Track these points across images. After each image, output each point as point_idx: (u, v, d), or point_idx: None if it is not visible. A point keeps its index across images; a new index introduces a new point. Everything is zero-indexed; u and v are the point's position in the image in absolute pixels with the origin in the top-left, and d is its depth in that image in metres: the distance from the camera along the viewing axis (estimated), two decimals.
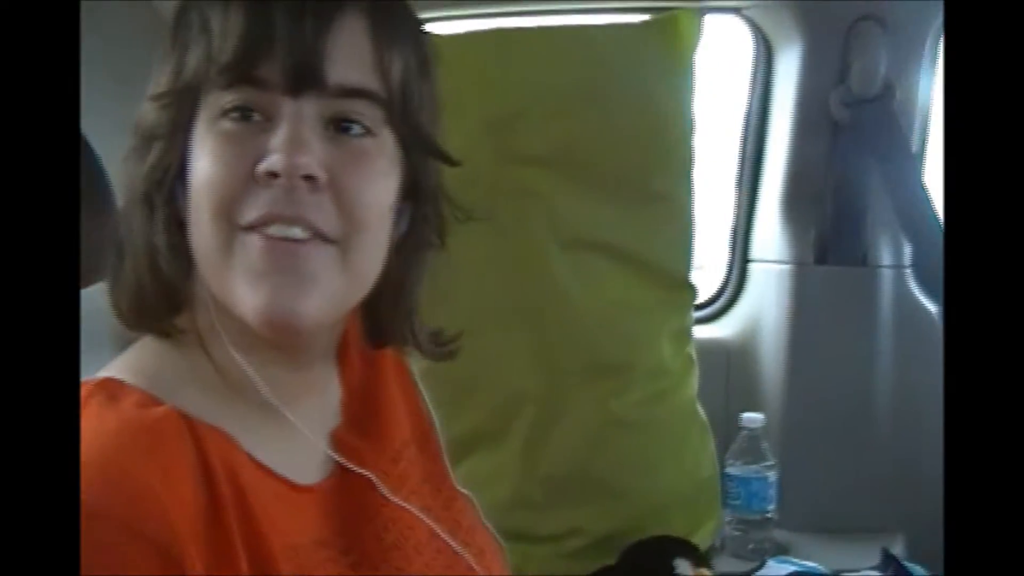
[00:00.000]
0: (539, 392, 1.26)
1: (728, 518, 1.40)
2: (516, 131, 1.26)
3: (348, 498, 0.69)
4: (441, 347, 0.76)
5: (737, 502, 1.39)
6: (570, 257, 1.28)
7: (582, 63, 1.29)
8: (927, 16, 1.43)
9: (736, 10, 1.52)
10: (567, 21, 1.39)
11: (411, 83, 0.65)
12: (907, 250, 1.51)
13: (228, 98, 0.60)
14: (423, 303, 0.74)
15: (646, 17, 1.38)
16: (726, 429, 1.44)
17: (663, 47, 1.32)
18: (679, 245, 1.36)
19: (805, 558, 1.31)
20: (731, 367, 1.60)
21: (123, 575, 0.53)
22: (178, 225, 0.63)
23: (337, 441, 0.71)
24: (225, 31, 0.60)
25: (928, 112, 1.50)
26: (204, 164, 0.61)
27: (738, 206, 1.65)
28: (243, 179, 0.60)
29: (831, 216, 1.53)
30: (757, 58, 1.58)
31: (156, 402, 0.60)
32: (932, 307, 1.47)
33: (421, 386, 0.82)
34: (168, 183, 0.63)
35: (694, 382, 1.39)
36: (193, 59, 0.62)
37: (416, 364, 0.85)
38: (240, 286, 0.60)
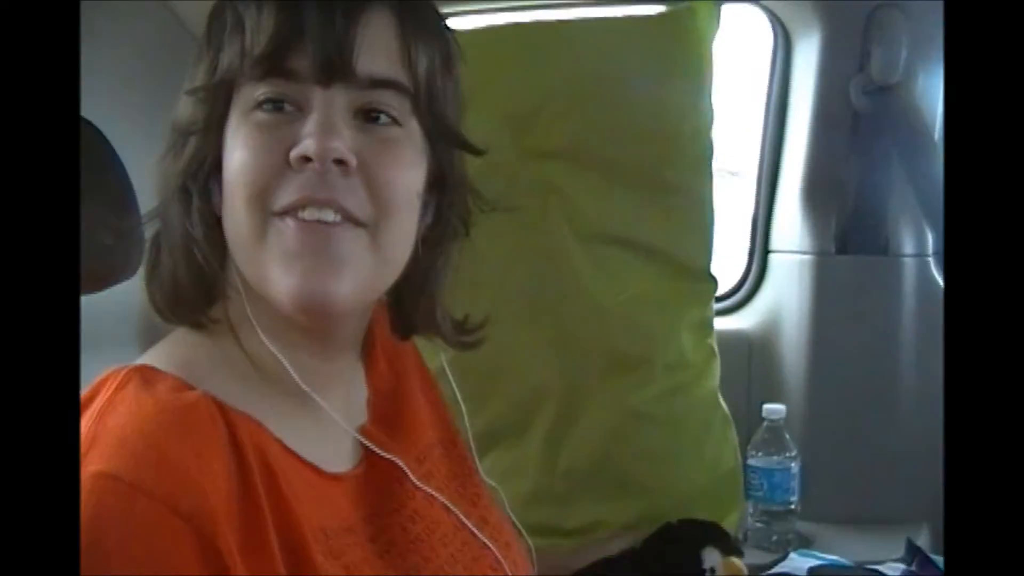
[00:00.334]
0: (560, 386, 1.27)
1: (751, 510, 1.40)
2: (534, 125, 1.26)
3: (375, 488, 0.70)
4: (467, 336, 0.77)
5: (760, 493, 1.39)
6: (589, 251, 1.28)
7: (599, 56, 1.29)
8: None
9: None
10: (584, 14, 1.38)
11: (436, 77, 0.67)
12: (929, 238, 1.50)
13: (261, 90, 0.63)
14: (447, 295, 0.75)
15: (663, 8, 1.37)
16: (748, 420, 1.44)
17: (681, 39, 1.31)
18: (699, 237, 1.36)
19: (828, 549, 1.31)
20: (753, 358, 1.60)
21: (158, 549, 0.54)
22: (213, 218, 0.66)
23: (365, 435, 0.72)
24: (258, 27, 0.63)
25: None
26: (238, 154, 0.63)
27: (758, 197, 1.65)
28: (276, 166, 0.62)
29: (852, 205, 1.52)
30: (776, 47, 1.57)
31: (189, 387, 0.62)
32: None
33: (452, 379, 0.83)
34: (203, 176, 0.66)
35: (716, 374, 1.39)
36: (228, 56, 0.64)
37: (436, 361, 0.86)
38: (274, 270, 0.62)
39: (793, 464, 1.39)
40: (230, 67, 0.64)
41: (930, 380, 1.47)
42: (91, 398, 0.61)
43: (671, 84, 1.31)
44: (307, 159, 0.61)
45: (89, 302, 0.85)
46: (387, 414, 0.76)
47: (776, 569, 1.23)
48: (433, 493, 0.73)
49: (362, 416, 0.74)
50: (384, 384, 0.78)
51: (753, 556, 1.36)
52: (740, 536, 1.40)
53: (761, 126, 1.61)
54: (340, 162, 0.62)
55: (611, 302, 1.29)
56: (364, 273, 0.64)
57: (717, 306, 1.47)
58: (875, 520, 1.43)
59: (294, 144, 0.62)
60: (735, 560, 1.06)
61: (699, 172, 1.34)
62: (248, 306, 0.66)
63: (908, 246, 1.51)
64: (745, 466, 1.40)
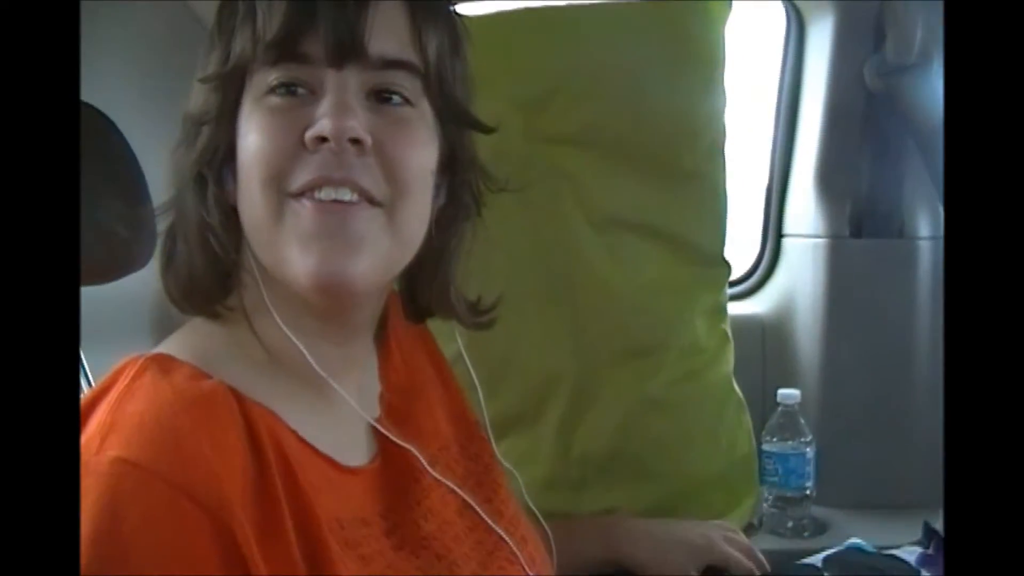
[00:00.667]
0: (573, 373, 1.26)
1: (766, 495, 1.40)
2: (546, 111, 1.25)
3: (390, 484, 0.70)
4: (481, 316, 0.77)
5: (775, 479, 1.38)
6: (602, 236, 1.27)
7: (612, 41, 1.28)
8: None
9: None
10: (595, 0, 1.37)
11: (445, 58, 0.68)
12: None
13: (274, 75, 0.64)
14: (461, 276, 0.76)
15: None
16: (763, 406, 1.44)
17: (693, 23, 1.30)
18: (712, 222, 1.35)
19: (845, 535, 1.30)
20: (767, 343, 1.59)
21: (174, 535, 0.55)
22: (228, 205, 0.66)
23: (380, 424, 0.72)
24: (270, 12, 0.63)
25: None
26: (253, 137, 0.64)
27: (771, 181, 1.64)
28: (292, 147, 0.63)
29: (866, 188, 1.51)
30: (789, 30, 1.56)
31: (206, 375, 0.62)
32: None
33: (470, 365, 0.83)
34: (218, 164, 0.66)
35: (730, 359, 1.38)
36: (240, 43, 0.65)
37: (451, 347, 0.85)
38: (291, 251, 0.63)
39: (808, 449, 1.38)
40: (242, 54, 0.64)
41: None
42: (109, 386, 0.62)
43: (683, 69, 1.29)
44: (323, 139, 0.62)
45: (102, 292, 0.86)
46: (400, 411, 0.76)
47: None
48: (448, 484, 0.72)
49: (374, 411, 0.74)
50: (398, 379, 0.78)
51: (769, 542, 1.36)
52: (755, 522, 1.40)
53: (774, 109, 1.59)
54: (356, 141, 0.62)
55: (624, 288, 1.28)
56: (381, 252, 0.65)
57: (731, 291, 1.46)
58: (891, 505, 1.42)
59: (308, 126, 0.62)
60: None
61: (712, 157, 1.33)
62: (264, 292, 0.66)
63: (923, 229, 1.50)
64: (760, 451, 1.39)
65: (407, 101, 0.66)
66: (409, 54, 0.66)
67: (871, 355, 1.49)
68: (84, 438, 0.58)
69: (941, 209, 1.47)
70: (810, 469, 1.38)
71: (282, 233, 0.63)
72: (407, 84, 0.66)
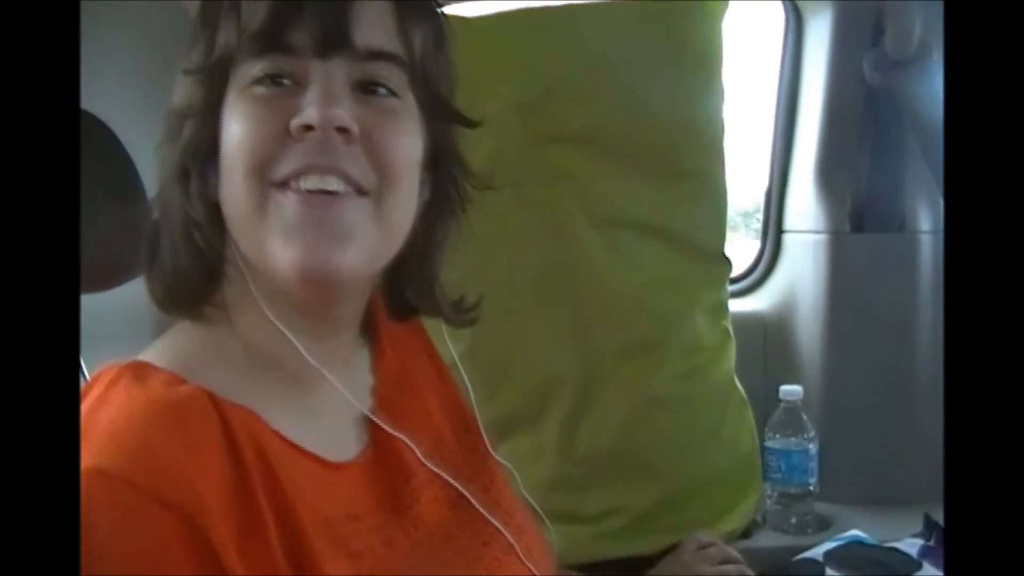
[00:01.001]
0: (575, 372, 1.26)
1: (769, 492, 1.40)
2: (545, 110, 1.25)
3: (379, 477, 0.70)
4: (463, 314, 0.77)
5: (778, 476, 1.38)
6: (602, 235, 1.27)
7: (610, 40, 1.27)
8: None
9: None
10: None
11: (430, 53, 0.68)
12: None
13: (259, 66, 0.63)
14: (456, 282, 0.75)
15: None
16: (765, 402, 1.43)
17: (691, 21, 1.30)
18: (712, 219, 1.35)
19: (848, 530, 1.30)
20: (768, 340, 1.59)
21: (148, 543, 0.54)
22: (213, 200, 0.65)
23: (373, 415, 0.72)
24: (257, 7, 0.63)
25: None
26: (237, 127, 0.63)
27: (771, 177, 1.63)
28: (276, 137, 0.62)
29: (867, 183, 1.50)
30: (787, 25, 1.55)
31: (182, 382, 0.61)
32: None
33: (463, 372, 0.82)
34: (201, 158, 0.65)
35: (731, 356, 1.38)
36: (224, 34, 0.64)
37: (447, 353, 0.85)
38: (275, 243, 0.62)
39: (811, 445, 1.38)
40: (227, 45, 0.64)
41: None
42: (83, 395, 0.61)
43: (681, 66, 1.29)
44: (309, 128, 0.61)
45: (103, 300, 0.85)
46: (393, 402, 0.75)
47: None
48: (442, 474, 0.72)
49: (366, 404, 0.74)
50: (391, 372, 0.77)
51: (772, 539, 1.36)
52: (759, 519, 1.39)
53: (774, 105, 1.59)
54: (342, 130, 0.62)
55: (625, 286, 1.28)
56: (369, 243, 0.64)
57: (732, 288, 1.46)
58: (895, 500, 1.42)
59: (294, 115, 0.62)
60: None
61: (711, 154, 1.33)
62: (251, 285, 0.66)
63: (924, 223, 1.50)
64: (763, 448, 1.39)
65: (393, 93, 0.65)
66: (395, 46, 0.65)
67: (873, 350, 1.49)
68: None
69: (942, 203, 1.47)
70: (813, 465, 1.38)
71: (266, 224, 0.62)
72: (393, 76, 0.65)
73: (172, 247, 0.66)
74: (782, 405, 1.40)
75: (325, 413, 0.68)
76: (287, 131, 0.62)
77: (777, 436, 1.39)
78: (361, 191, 0.63)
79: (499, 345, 1.21)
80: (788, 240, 1.63)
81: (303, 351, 0.66)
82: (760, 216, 1.66)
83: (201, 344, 0.66)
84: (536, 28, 1.28)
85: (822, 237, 1.53)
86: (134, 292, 0.88)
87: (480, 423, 0.82)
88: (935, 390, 1.46)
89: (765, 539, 1.36)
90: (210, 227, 0.65)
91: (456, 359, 0.84)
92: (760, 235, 1.66)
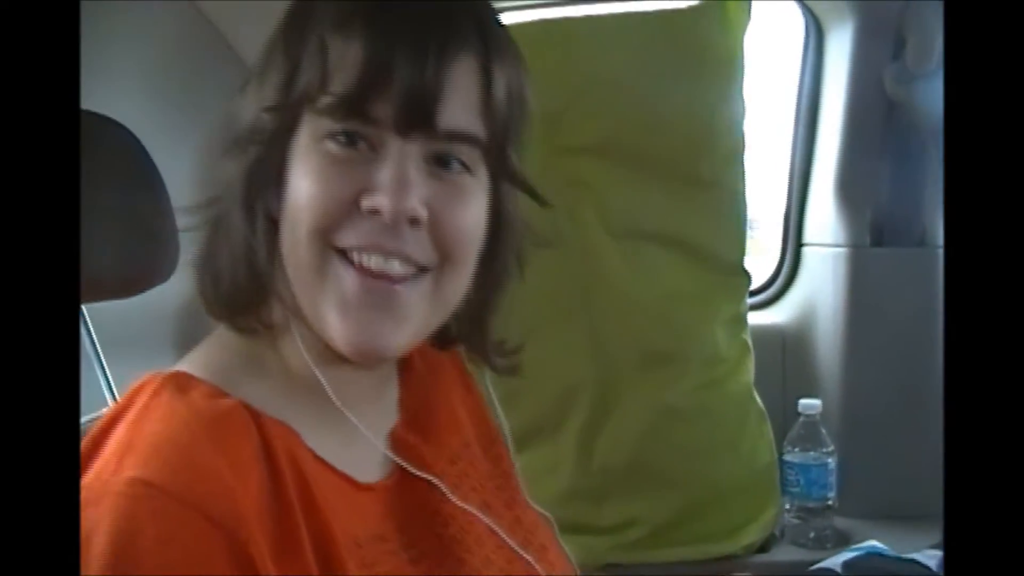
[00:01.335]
0: (594, 383, 1.26)
1: (787, 506, 1.39)
2: (564, 122, 1.25)
3: (408, 497, 0.69)
4: (506, 357, 0.77)
5: (796, 489, 1.37)
6: (622, 247, 1.27)
7: (629, 51, 1.28)
8: None
9: None
10: (613, 8, 1.37)
11: (510, 125, 0.66)
12: None
13: (336, 125, 0.62)
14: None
15: (694, 2, 1.36)
16: (784, 416, 1.43)
17: (712, 32, 1.30)
18: (731, 231, 1.35)
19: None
20: (787, 353, 1.58)
21: (190, 555, 0.54)
22: (274, 228, 0.65)
23: (396, 440, 0.72)
24: (343, 61, 0.61)
25: None
26: (307, 183, 0.62)
27: (791, 190, 1.63)
28: (345, 205, 0.61)
29: (887, 196, 1.50)
30: (808, 38, 1.55)
31: (223, 394, 0.62)
32: None
33: (491, 390, 0.82)
34: (266, 186, 0.64)
35: (750, 369, 1.38)
36: (306, 76, 0.62)
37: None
38: (330, 311, 0.62)
39: (830, 460, 1.37)
40: (307, 90, 0.62)
41: None
42: (127, 405, 0.61)
43: (702, 78, 1.30)
44: (379, 212, 0.61)
45: (126, 306, 0.86)
46: (420, 413, 0.76)
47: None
48: (466, 508, 0.72)
49: (394, 416, 0.74)
50: (418, 382, 0.78)
51: (791, 553, 1.35)
52: (777, 533, 1.39)
53: (793, 118, 1.59)
54: (413, 220, 0.61)
55: (644, 297, 1.28)
56: (422, 319, 0.64)
57: (751, 301, 1.45)
58: (914, 515, 1.41)
59: (366, 187, 0.61)
60: None
61: (731, 166, 1.33)
62: (292, 321, 0.65)
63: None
64: (781, 462, 1.38)
65: (466, 168, 0.64)
66: (476, 126, 0.63)
67: (892, 364, 1.48)
68: (103, 458, 0.58)
69: None
70: (832, 479, 1.37)
71: (323, 289, 0.62)
72: (469, 153, 0.64)
73: (231, 264, 0.65)
74: (801, 419, 1.39)
75: (358, 433, 0.68)
76: (356, 203, 0.61)
77: (796, 450, 1.38)
78: (422, 270, 0.63)
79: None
80: (807, 253, 1.62)
81: (331, 393, 0.65)
82: (763, 226, 1.66)
83: (240, 357, 0.66)
84: (555, 40, 1.29)
85: (842, 251, 1.53)
86: (156, 299, 0.89)
87: (509, 449, 0.82)
88: None
89: (783, 553, 1.35)
90: (268, 255, 0.64)
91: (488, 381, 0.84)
92: (780, 248, 1.66)
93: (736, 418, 1.34)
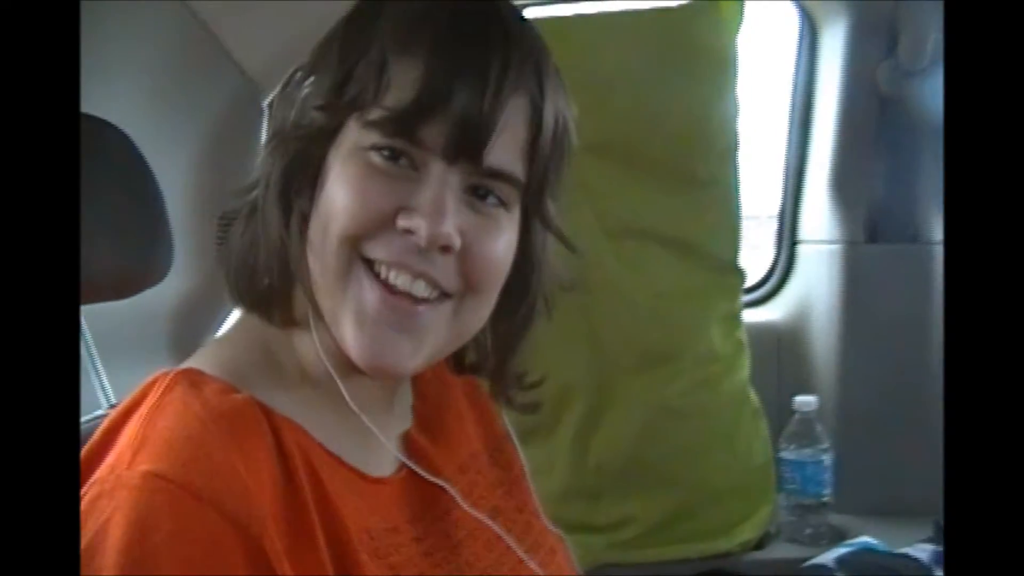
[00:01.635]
0: (589, 382, 1.26)
1: (784, 503, 1.39)
2: None
3: (418, 494, 0.70)
4: (526, 392, 0.77)
5: (792, 487, 1.38)
6: (617, 245, 1.27)
7: (622, 50, 1.28)
8: None
9: None
10: (606, 7, 1.37)
11: (551, 168, 0.66)
12: None
13: (382, 140, 0.62)
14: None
15: (687, 1, 1.36)
16: (779, 413, 1.43)
17: (705, 31, 1.30)
18: (726, 229, 1.35)
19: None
20: (782, 350, 1.58)
21: (204, 549, 0.55)
22: (305, 226, 0.65)
23: (408, 443, 0.72)
24: (401, 79, 0.61)
25: None
26: (345, 190, 0.62)
27: (785, 187, 1.63)
28: (381, 218, 0.61)
29: (881, 193, 1.50)
30: (801, 36, 1.55)
31: (235, 390, 0.62)
32: None
33: (503, 411, 0.83)
34: (302, 188, 0.65)
35: (745, 367, 1.38)
36: (357, 87, 0.62)
37: None
38: (348, 322, 0.62)
39: (825, 456, 1.38)
40: (358, 100, 0.62)
41: None
42: (139, 400, 0.62)
43: (696, 76, 1.30)
44: (412, 232, 0.61)
45: (120, 308, 0.86)
46: (431, 421, 0.76)
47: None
48: (478, 516, 0.72)
49: (407, 421, 0.74)
50: (430, 390, 0.78)
51: (787, 550, 1.35)
52: (773, 530, 1.39)
53: (787, 115, 1.59)
54: (445, 248, 0.62)
55: (639, 295, 1.28)
56: (439, 343, 0.64)
57: (746, 298, 1.46)
58: (910, 512, 1.40)
59: (404, 205, 0.61)
60: None
61: (725, 164, 1.33)
62: (311, 316, 0.65)
63: (939, 233, 1.49)
64: (777, 459, 1.38)
65: (502, 203, 0.64)
66: (517, 167, 0.63)
67: (887, 360, 1.48)
68: (116, 453, 0.58)
69: None
70: (827, 476, 1.38)
71: (344, 296, 0.62)
72: (506, 190, 0.64)
73: (265, 254, 0.66)
74: (796, 416, 1.39)
75: (368, 429, 0.69)
76: (392, 218, 0.61)
77: (791, 447, 1.38)
78: (444, 295, 0.63)
79: None
80: (802, 250, 1.63)
81: (344, 389, 0.66)
82: (757, 223, 1.66)
83: (252, 355, 0.67)
84: (549, 40, 1.28)
85: (836, 247, 1.53)
86: (151, 300, 0.89)
87: (520, 457, 0.82)
88: None
89: (779, 550, 1.35)
90: (299, 251, 0.64)
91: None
92: (774, 245, 1.66)
93: (731, 416, 1.34)
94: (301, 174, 0.64)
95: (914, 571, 1.15)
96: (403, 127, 0.61)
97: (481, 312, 0.66)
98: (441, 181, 0.61)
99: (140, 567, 0.53)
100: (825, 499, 1.38)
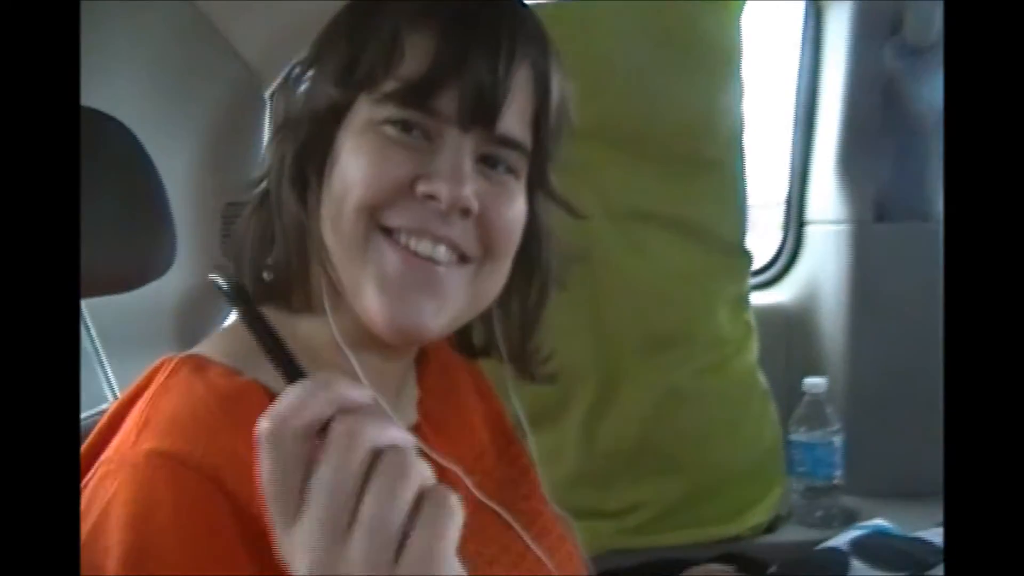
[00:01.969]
0: (596, 367, 1.26)
1: (794, 486, 1.39)
2: None
3: None
4: (544, 365, 0.79)
5: (803, 469, 1.37)
6: (623, 229, 1.27)
7: (626, 34, 1.27)
8: None
9: None
10: None
11: (553, 141, 0.69)
12: None
13: (396, 112, 0.63)
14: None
15: None
16: (788, 395, 1.42)
17: (709, 14, 1.29)
18: (732, 211, 1.34)
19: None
20: (791, 332, 1.58)
21: (206, 525, 0.55)
22: (318, 205, 0.66)
23: (417, 434, 0.72)
24: (415, 51, 0.63)
25: None
26: (361, 161, 0.63)
27: (792, 168, 1.62)
28: (399, 186, 0.63)
29: (889, 172, 1.49)
30: (807, 14, 1.54)
31: (239, 374, 0.63)
32: None
33: (513, 396, 0.83)
34: (318, 166, 0.66)
35: (754, 349, 1.38)
36: (370, 62, 0.64)
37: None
38: (370, 289, 0.63)
39: (835, 438, 1.37)
40: (371, 74, 0.64)
41: None
42: (145, 385, 0.62)
43: (700, 60, 1.29)
44: (435, 198, 0.62)
45: (123, 301, 0.86)
46: (438, 416, 0.76)
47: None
48: (488, 502, 0.72)
49: (413, 417, 0.75)
50: (435, 384, 0.78)
51: (798, 533, 1.35)
52: (784, 513, 1.39)
53: (793, 96, 1.58)
54: (465, 210, 0.63)
55: (645, 279, 1.28)
56: (459, 307, 0.66)
57: (754, 280, 1.45)
58: (921, 492, 1.40)
59: (420, 173, 0.63)
60: None
61: (730, 146, 1.32)
62: (327, 300, 0.66)
63: None
64: (787, 442, 1.38)
65: (512, 172, 0.67)
66: (526, 136, 0.66)
67: (897, 341, 1.48)
68: (121, 434, 0.59)
69: None
70: (838, 458, 1.37)
71: (365, 266, 0.63)
72: (515, 158, 0.67)
73: (285, 244, 0.67)
74: (806, 398, 1.38)
75: None
76: (410, 188, 0.63)
77: (801, 429, 1.37)
78: (464, 260, 0.65)
79: None
80: (810, 232, 1.62)
81: (361, 375, 0.66)
82: (764, 205, 1.65)
83: (254, 345, 0.67)
84: (553, 24, 1.27)
85: (844, 227, 1.52)
86: (154, 294, 0.89)
87: (528, 451, 0.82)
88: None
89: (790, 533, 1.35)
90: (316, 230, 0.66)
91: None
92: (782, 226, 1.65)
93: (740, 399, 1.34)
94: (314, 155, 0.66)
95: (929, 555, 1.15)
96: (418, 96, 0.63)
97: (497, 279, 0.68)
98: (457, 148, 0.63)
99: (143, 544, 0.53)
100: (835, 481, 1.37)
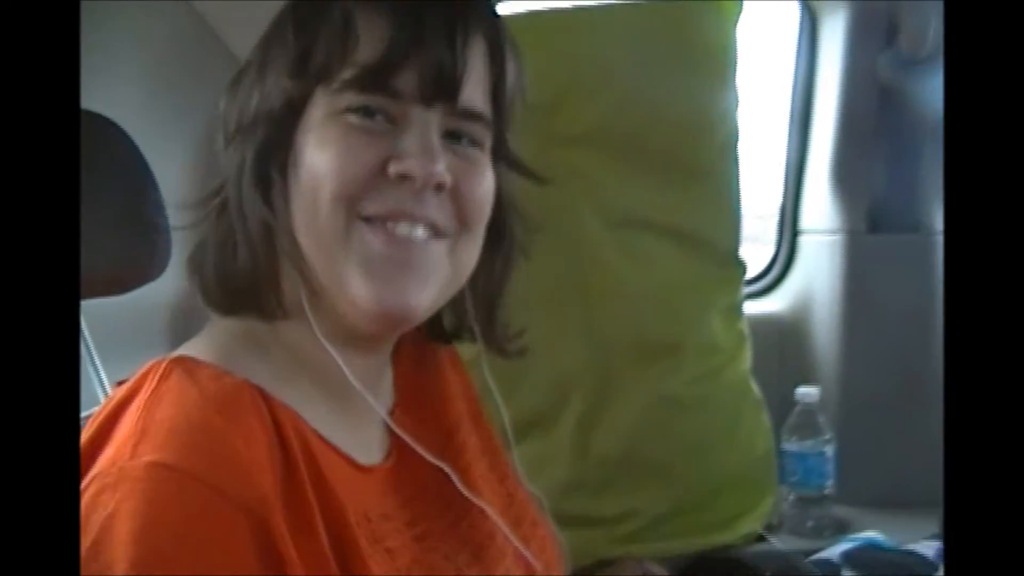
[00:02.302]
0: (590, 375, 1.26)
1: (786, 495, 1.39)
2: (557, 113, 1.25)
3: (407, 479, 0.71)
4: (513, 341, 0.79)
5: (794, 479, 1.38)
6: (616, 237, 1.27)
7: (620, 41, 1.27)
8: None
9: None
10: (605, 0, 1.37)
11: (511, 110, 0.70)
12: None
13: (356, 99, 0.63)
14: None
15: None
16: (781, 405, 1.43)
17: (704, 21, 1.29)
18: (726, 220, 1.34)
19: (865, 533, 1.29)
20: (784, 341, 1.58)
21: (213, 535, 0.55)
22: (285, 205, 0.66)
23: (394, 420, 0.73)
24: (369, 35, 0.63)
25: None
26: (329, 153, 0.63)
27: (786, 178, 1.63)
28: (370, 173, 0.63)
29: (882, 183, 1.50)
30: (801, 25, 1.55)
31: (229, 374, 0.62)
32: None
33: (492, 383, 0.83)
34: (280, 164, 0.65)
35: (747, 358, 1.38)
36: (324, 48, 0.64)
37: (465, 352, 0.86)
38: (354, 276, 0.63)
39: (827, 448, 1.37)
40: (326, 64, 0.64)
41: None
42: (135, 390, 0.61)
43: (695, 67, 1.29)
44: (408, 178, 0.63)
45: (117, 304, 0.86)
46: (414, 391, 0.77)
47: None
48: (475, 500, 0.72)
49: (390, 398, 0.75)
50: (411, 369, 0.78)
51: (789, 542, 1.35)
52: (775, 522, 1.39)
53: (788, 106, 1.59)
54: (439, 186, 0.64)
55: (639, 287, 1.27)
56: (441, 283, 0.66)
57: (747, 289, 1.45)
58: (913, 503, 1.40)
59: (389, 156, 0.63)
60: None
61: (725, 155, 1.32)
62: (306, 300, 0.66)
63: (941, 223, 1.49)
64: (779, 451, 1.38)
65: (476, 144, 0.68)
66: (486, 107, 0.67)
67: (890, 351, 1.48)
68: (115, 444, 0.58)
69: None
70: (830, 468, 1.37)
71: (348, 256, 0.63)
72: (479, 131, 0.68)
73: (249, 251, 0.66)
74: (798, 407, 1.39)
75: (355, 418, 0.69)
76: (382, 171, 0.63)
77: (793, 439, 1.38)
78: (441, 236, 0.65)
79: None
80: (803, 241, 1.62)
81: (347, 372, 0.66)
82: (758, 215, 1.66)
83: (241, 341, 0.67)
84: (548, 31, 1.28)
85: (838, 238, 1.53)
86: (149, 296, 0.89)
87: (505, 419, 0.82)
88: None
89: (782, 543, 1.35)
90: (287, 233, 0.65)
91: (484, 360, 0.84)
92: (776, 236, 1.66)
93: (733, 407, 1.34)
94: (276, 153, 0.65)
95: (921, 568, 1.15)
96: (378, 79, 0.63)
97: (472, 251, 0.69)
98: (424, 125, 0.64)
99: (151, 558, 0.53)
100: (827, 491, 1.38)
